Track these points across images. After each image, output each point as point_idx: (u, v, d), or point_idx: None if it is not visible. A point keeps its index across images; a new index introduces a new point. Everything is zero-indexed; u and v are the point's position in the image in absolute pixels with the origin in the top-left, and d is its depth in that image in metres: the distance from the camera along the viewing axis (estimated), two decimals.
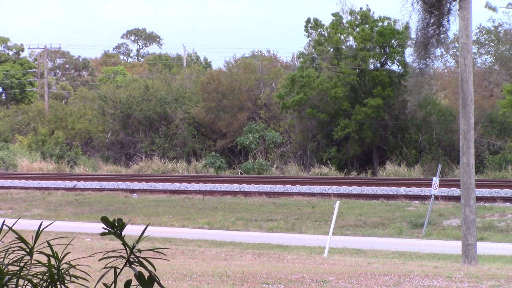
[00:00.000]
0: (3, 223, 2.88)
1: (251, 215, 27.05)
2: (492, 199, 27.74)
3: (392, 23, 43.84)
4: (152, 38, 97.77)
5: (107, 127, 52.45)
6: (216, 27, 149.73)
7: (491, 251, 19.02)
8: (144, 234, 2.76)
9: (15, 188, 36.15)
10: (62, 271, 2.74)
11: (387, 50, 43.33)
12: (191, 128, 48.69)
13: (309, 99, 43.38)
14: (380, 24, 43.91)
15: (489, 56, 46.11)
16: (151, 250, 2.83)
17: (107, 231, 2.72)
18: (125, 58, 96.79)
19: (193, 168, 44.74)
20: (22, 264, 2.76)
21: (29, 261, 2.76)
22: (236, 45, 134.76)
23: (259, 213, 27.40)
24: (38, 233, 2.79)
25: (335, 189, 32.22)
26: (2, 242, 2.90)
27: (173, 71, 64.31)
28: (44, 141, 52.11)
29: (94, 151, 53.02)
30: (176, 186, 35.15)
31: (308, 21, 45.08)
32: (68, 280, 2.77)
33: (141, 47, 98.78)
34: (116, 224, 2.72)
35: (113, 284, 2.71)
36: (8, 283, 2.71)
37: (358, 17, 44.67)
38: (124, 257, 2.70)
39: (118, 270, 2.73)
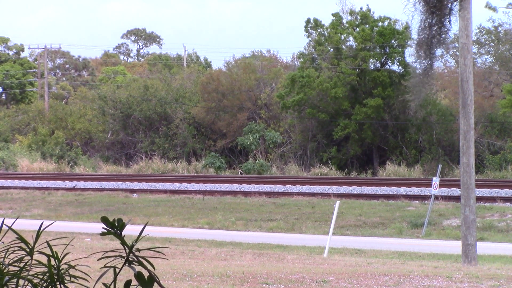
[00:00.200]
0: (3, 222, 2.88)
1: (251, 215, 27.05)
2: (492, 199, 27.74)
3: (392, 23, 43.84)
4: (152, 38, 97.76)
5: (107, 127, 52.46)
6: (216, 27, 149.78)
7: (491, 251, 19.02)
8: (144, 234, 2.76)
9: (15, 188, 36.14)
10: (62, 271, 2.74)
11: (387, 50, 43.33)
12: (191, 128, 48.69)
13: (309, 99, 43.39)
14: (380, 24, 43.91)
15: (489, 56, 46.13)
16: (150, 249, 2.83)
17: (107, 231, 2.72)
18: (125, 58, 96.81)
19: (193, 168, 44.74)
20: (22, 264, 2.76)
21: (29, 261, 2.76)
22: (236, 45, 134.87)
23: (259, 213, 27.40)
24: (38, 233, 2.79)
25: (335, 189, 32.22)
26: (3, 242, 2.90)
27: (173, 71, 64.31)
28: (44, 141, 52.11)
29: (94, 151, 53.02)
30: (176, 186, 35.15)
31: (308, 21, 45.08)
32: (68, 280, 2.77)
33: (141, 47, 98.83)
34: (116, 224, 2.72)
35: (112, 283, 2.71)
36: (8, 283, 2.71)
37: (358, 17, 44.67)
38: (123, 257, 2.70)
39: (117, 270, 2.73)
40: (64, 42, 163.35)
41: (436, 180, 23.02)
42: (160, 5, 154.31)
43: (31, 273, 2.73)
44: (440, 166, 24.57)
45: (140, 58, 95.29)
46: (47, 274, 2.72)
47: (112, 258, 2.74)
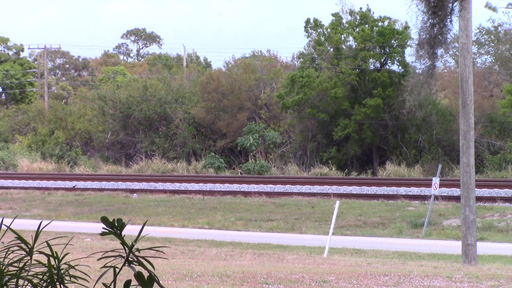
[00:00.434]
0: (1, 222, 2.87)
1: (251, 215, 27.05)
2: (492, 199, 27.73)
3: (392, 23, 43.84)
4: (152, 38, 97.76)
5: (107, 127, 52.46)
6: (216, 27, 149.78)
7: (491, 251, 19.02)
8: (144, 234, 2.75)
9: (15, 188, 36.14)
10: (62, 271, 2.74)
11: (387, 50, 43.33)
12: (191, 128, 48.69)
13: (309, 99, 43.39)
14: (380, 24, 43.91)
15: (489, 56, 46.11)
16: (150, 249, 2.83)
17: (107, 231, 2.72)
18: (125, 58, 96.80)
19: (193, 168, 44.74)
20: (22, 265, 2.76)
21: (29, 261, 2.76)
22: (236, 45, 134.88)
23: (259, 213, 27.40)
24: (37, 233, 2.79)
25: (335, 189, 32.21)
26: (2, 242, 2.89)
27: (173, 71, 64.31)
28: (44, 141, 52.11)
29: (94, 151, 53.02)
30: (176, 186, 35.15)
31: (308, 21, 45.08)
32: (68, 280, 2.77)
33: (141, 47, 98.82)
34: (116, 224, 2.71)
35: (112, 283, 2.71)
36: (8, 283, 2.71)
37: (358, 17, 44.67)
38: (123, 257, 2.69)
39: (117, 270, 2.73)
40: (64, 42, 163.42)
41: (436, 180, 23.02)
42: (160, 5, 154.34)
43: (31, 273, 2.73)
44: (440, 166, 24.56)
45: (140, 58, 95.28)
46: (47, 274, 2.71)
47: (112, 258, 2.74)
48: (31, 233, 2.83)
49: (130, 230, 2.81)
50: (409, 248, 20.01)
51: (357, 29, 44.22)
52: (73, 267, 2.78)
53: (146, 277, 2.69)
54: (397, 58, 43.63)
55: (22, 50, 78.54)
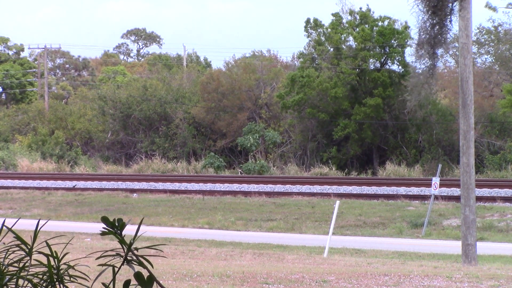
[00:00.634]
0: (3, 224, 2.87)
1: (251, 215, 27.05)
2: (492, 199, 27.73)
3: (392, 22, 43.83)
4: (152, 38, 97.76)
5: (107, 127, 52.47)
6: (216, 27, 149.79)
7: (491, 251, 19.02)
8: (144, 234, 2.76)
9: (15, 188, 36.14)
10: (62, 271, 2.74)
11: (387, 50, 43.33)
12: (191, 128, 48.69)
13: (309, 99, 43.39)
14: (380, 23, 43.91)
15: (489, 56, 46.12)
16: (148, 247, 2.83)
17: (107, 231, 2.72)
18: (125, 58, 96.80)
19: (193, 168, 44.75)
20: (21, 265, 2.76)
21: (28, 261, 2.76)
22: (236, 45, 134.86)
23: (259, 213, 27.40)
24: (36, 233, 2.79)
25: (335, 189, 32.21)
26: (3, 243, 2.89)
27: (173, 71, 64.32)
28: (44, 141, 52.11)
29: (94, 151, 53.03)
30: (176, 186, 35.15)
31: (308, 21, 45.08)
32: (67, 280, 2.77)
33: (141, 47, 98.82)
34: (116, 224, 2.72)
35: (111, 283, 2.71)
36: (8, 284, 2.71)
37: (358, 17, 44.66)
38: (122, 256, 2.69)
39: (116, 269, 2.73)
40: (64, 42, 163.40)
41: (436, 180, 23.02)
42: (160, 5, 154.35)
43: (30, 273, 2.73)
44: (440, 166, 24.56)
45: (140, 58, 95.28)
46: (47, 274, 2.71)
47: (110, 258, 2.74)
48: (31, 233, 2.83)
49: (130, 230, 2.81)
50: (409, 248, 20.01)
51: (357, 29, 44.21)
52: (72, 267, 2.78)
53: (145, 277, 2.69)
54: (397, 58, 43.62)
55: (22, 50, 78.56)
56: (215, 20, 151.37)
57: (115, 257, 2.71)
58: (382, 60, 43.87)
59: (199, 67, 66.60)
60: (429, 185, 26.23)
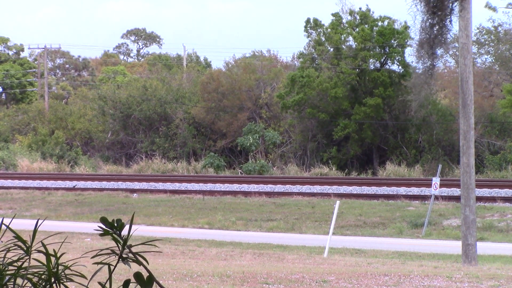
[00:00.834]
0: (2, 222, 2.87)
1: (251, 215, 27.04)
2: (492, 199, 27.73)
3: (392, 22, 43.83)
4: (152, 38, 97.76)
5: (107, 127, 52.47)
6: (216, 27, 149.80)
7: (491, 251, 19.02)
8: (145, 234, 2.76)
9: (15, 188, 36.14)
10: (60, 270, 2.74)
11: (387, 50, 43.33)
12: (191, 128, 48.69)
13: (309, 99, 43.39)
14: (380, 23, 43.91)
15: (489, 56, 46.12)
16: (143, 244, 2.83)
17: (104, 231, 2.71)
18: (125, 58, 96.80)
19: (193, 168, 44.76)
20: (20, 264, 2.76)
21: (27, 261, 2.75)
22: (236, 45, 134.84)
23: (259, 213, 27.39)
24: (34, 232, 2.79)
25: (335, 189, 32.21)
26: (1, 241, 2.89)
27: (173, 71, 64.33)
28: (44, 141, 52.11)
29: (94, 151, 53.03)
30: (176, 186, 35.15)
31: (308, 21, 45.08)
32: (67, 279, 2.77)
33: (141, 47, 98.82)
34: (116, 224, 2.71)
35: (108, 281, 2.70)
36: (8, 283, 2.71)
37: (358, 17, 44.66)
38: (117, 254, 2.69)
39: (112, 267, 2.72)
40: (64, 42, 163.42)
41: (436, 180, 23.01)
42: (160, 5, 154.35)
43: (29, 272, 2.72)
44: (440, 166, 24.56)
45: (140, 58, 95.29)
46: (46, 273, 2.71)
47: (107, 256, 2.74)
48: (30, 232, 2.83)
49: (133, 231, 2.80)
50: (409, 248, 20.01)
51: (357, 29, 44.21)
52: (68, 267, 2.78)
53: (145, 277, 2.68)
54: (397, 58, 43.62)
55: (22, 50, 78.55)
56: (215, 20, 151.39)
57: (111, 255, 2.71)
58: (382, 60, 43.87)
59: (199, 67, 66.60)
60: (429, 185, 26.23)
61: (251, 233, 24.05)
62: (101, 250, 2.74)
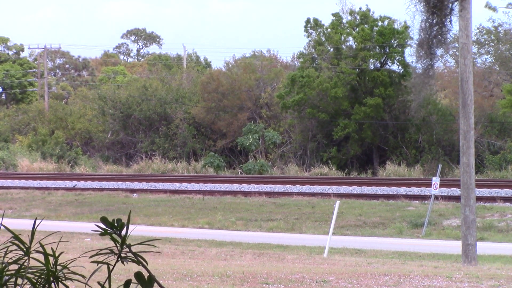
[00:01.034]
0: (1, 223, 2.87)
1: (251, 215, 27.04)
2: (492, 199, 27.73)
3: (392, 22, 43.83)
4: (152, 38, 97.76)
5: (107, 127, 52.48)
6: (216, 27, 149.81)
7: (491, 251, 19.01)
8: (145, 234, 2.76)
9: (15, 188, 36.14)
10: (59, 270, 2.74)
11: (387, 50, 43.33)
12: (191, 128, 48.69)
13: (309, 99, 43.39)
14: (380, 23, 43.91)
15: (489, 56, 46.13)
16: (141, 243, 2.83)
17: (103, 231, 2.71)
18: (125, 58, 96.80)
19: (193, 168, 44.76)
20: (20, 264, 2.76)
21: (26, 261, 2.75)
22: (236, 45, 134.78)
23: (259, 213, 27.39)
24: (33, 232, 2.79)
25: (335, 189, 32.21)
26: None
27: (172, 71, 64.33)
28: (44, 141, 52.11)
29: (94, 151, 53.03)
30: (176, 186, 35.15)
31: (308, 21, 45.07)
32: (67, 278, 2.77)
33: (141, 47, 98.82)
34: (116, 224, 2.71)
35: (107, 280, 2.70)
36: (8, 283, 2.71)
37: (358, 17, 44.66)
38: (116, 253, 2.69)
39: (111, 267, 2.73)
40: (64, 42, 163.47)
41: (436, 180, 23.01)
42: (160, 5, 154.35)
43: (29, 272, 2.73)
44: (440, 166, 24.56)
45: (140, 58, 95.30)
46: (45, 273, 2.71)
47: (106, 256, 2.74)
48: (30, 232, 2.83)
49: (130, 230, 2.80)
50: (409, 248, 20.00)
51: (357, 29, 44.21)
52: (66, 267, 2.78)
53: (146, 277, 2.68)
54: (397, 58, 43.62)
55: (22, 50, 78.54)
56: (215, 20, 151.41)
57: (109, 255, 2.71)
58: (382, 60, 43.87)
59: (199, 67, 66.61)
60: (429, 185, 26.23)
61: (251, 233, 24.05)
62: (101, 250, 2.74)
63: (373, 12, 44.77)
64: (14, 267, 2.74)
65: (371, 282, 12.33)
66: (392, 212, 26.40)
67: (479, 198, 25.64)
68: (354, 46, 44.10)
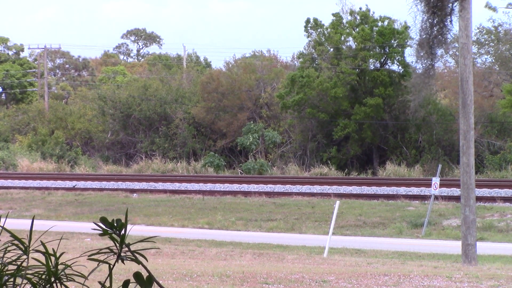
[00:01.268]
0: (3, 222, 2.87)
1: (251, 215, 27.04)
2: (492, 199, 27.73)
3: (392, 22, 43.84)
4: (152, 38, 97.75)
5: (107, 127, 52.48)
6: (216, 27, 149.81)
7: (491, 251, 19.01)
8: (145, 234, 2.76)
9: (15, 188, 36.13)
10: (60, 270, 2.73)
11: (387, 50, 43.33)
12: (191, 128, 48.69)
13: (309, 99, 43.38)
14: (380, 23, 43.92)
15: (489, 56, 46.13)
16: (140, 241, 2.83)
17: (106, 230, 2.71)
18: (125, 58, 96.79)
19: (193, 168, 44.76)
20: (19, 263, 2.76)
21: (26, 260, 2.75)
22: (236, 45, 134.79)
23: (259, 213, 27.39)
24: (31, 231, 2.79)
25: (335, 189, 32.20)
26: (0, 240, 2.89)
27: (172, 71, 64.33)
28: (44, 141, 52.11)
29: (94, 151, 53.03)
30: (176, 186, 35.15)
31: (308, 21, 45.08)
32: (68, 278, 2.77)
33: (141, 47, 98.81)
34: (115, 224, 2.71)
35: (107, 279, 2.70)
36: (7, 283, 2.70)
37: (358, 17, 44.66)
38: (115, 253, 2.69)
39: (111, 266, 2.72)
40: (64, 42, 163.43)
41: (436, 180, 23.01)
42: (160, 5, 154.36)
43: (29, 272, 2.72)
44: (440, 166, 24.55)
45: (140, 58, 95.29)
46: (45, 273, 2.71)
47: (107, 256, 2.74)
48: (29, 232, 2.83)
49: (132, 230, 2.80)
50: (409, 248, 20.00)
51: (357, 29, 44.21)
52: (69, 266, 2.78)
53: (145, 277, 2.68)
54: (397, 58, 43.63)
55: (22, 50, 78.54)
56: (215, 20, 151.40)
57: (109, 254, 2.71)
58: (382, 60, 43.88)
59: (199, 67, 66.61)
60: (429, 185, 26.23)
61: (251, 233, 24.05)
62: (100, 249, 2.74)
63: (373, 12, 44.83)
64: (14, 267, 2.74)
65: (371, 282, 12.33)
66: (392, 212, 26.40)
67: (479, 198, 25.64)
68: (354, 46, 44.10)
